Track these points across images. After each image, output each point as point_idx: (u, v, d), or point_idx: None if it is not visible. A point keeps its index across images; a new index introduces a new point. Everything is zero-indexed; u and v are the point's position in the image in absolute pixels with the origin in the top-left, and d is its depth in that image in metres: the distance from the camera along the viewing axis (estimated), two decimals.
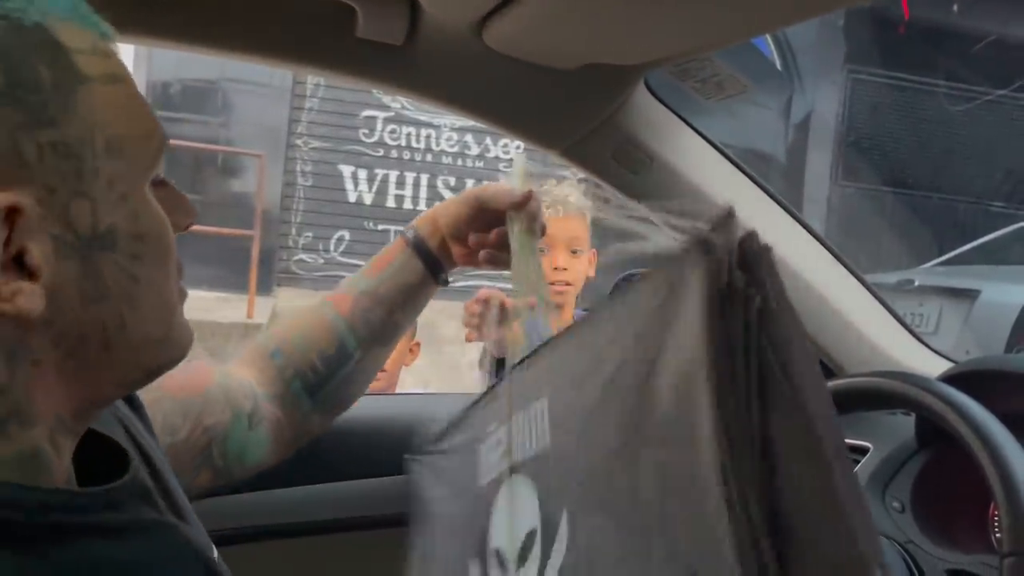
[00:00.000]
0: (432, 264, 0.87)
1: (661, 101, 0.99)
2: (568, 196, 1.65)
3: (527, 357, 0.67)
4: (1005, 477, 0.69)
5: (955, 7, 6.18)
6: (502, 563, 0.67)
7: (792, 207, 1.09)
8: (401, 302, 0.87)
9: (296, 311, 0.89)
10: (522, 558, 0.64)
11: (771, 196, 1.07)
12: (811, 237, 1.09)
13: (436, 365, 5.25)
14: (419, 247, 0.87)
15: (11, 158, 0.41)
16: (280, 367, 0.84)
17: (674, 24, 0.78)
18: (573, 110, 0.94)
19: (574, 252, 1.62)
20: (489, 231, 0.84)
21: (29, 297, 0.42)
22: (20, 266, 0.42)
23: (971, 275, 3.74)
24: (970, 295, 3.51)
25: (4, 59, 0.41)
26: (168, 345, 0.51)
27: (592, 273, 1.69)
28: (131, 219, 0.46)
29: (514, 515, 0.66)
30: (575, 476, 0.58)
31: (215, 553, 0.59)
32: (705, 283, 0.41)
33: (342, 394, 0.87)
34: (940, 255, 4.54)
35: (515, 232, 0.81)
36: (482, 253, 0.85)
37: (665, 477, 0.46)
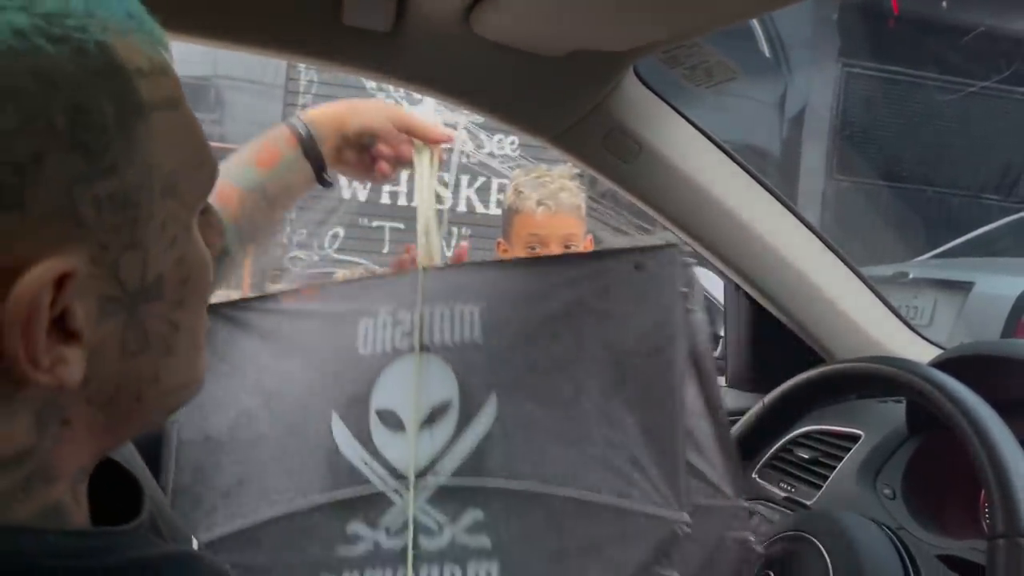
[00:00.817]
0: (320, 166, 0.84)
1: (651, 89, 0.99)
2: (560, 192, 1.64)
3: (442, 268, 0.84)
4: (993, 459, 0.69)
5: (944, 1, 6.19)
6: (393, 422, 0.82)
7: (782, 195, 1.09)
8: (284, 202, 0.84)
9: None
10: (430, 420, 0.81)
11: (761, 184, 1.07)
12: (801, 225, 1.09)
13: None
14: (311, 149, 0.83)
15: (66, 216, 0.36)
16: None
17: (661, 8, 0.78)
18: (562, 97, 0.93)
19: (568, 248, 1.62)
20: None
21: (70, 366, 0.38)
22: (59, 326, 0.37)
23: (965, 267, 3.75)
24: (964, 287, 3.51)
25: (68, 95, 0.35)
26: (193, 386, 0.47)
27: None
28: (178, 264, 0.42)
29: (421, 386, 0.82)
30: (508, 370, 0.80)
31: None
32: (679, 282, 0.77)
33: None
34: (934, 248, 4.55)
35: (423, 162, 0.87)
36: (385, 166, 0.85)
37: (620, 393, 0.76)
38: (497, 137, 6.67)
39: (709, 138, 1.04)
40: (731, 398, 1.26)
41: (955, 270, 3.72)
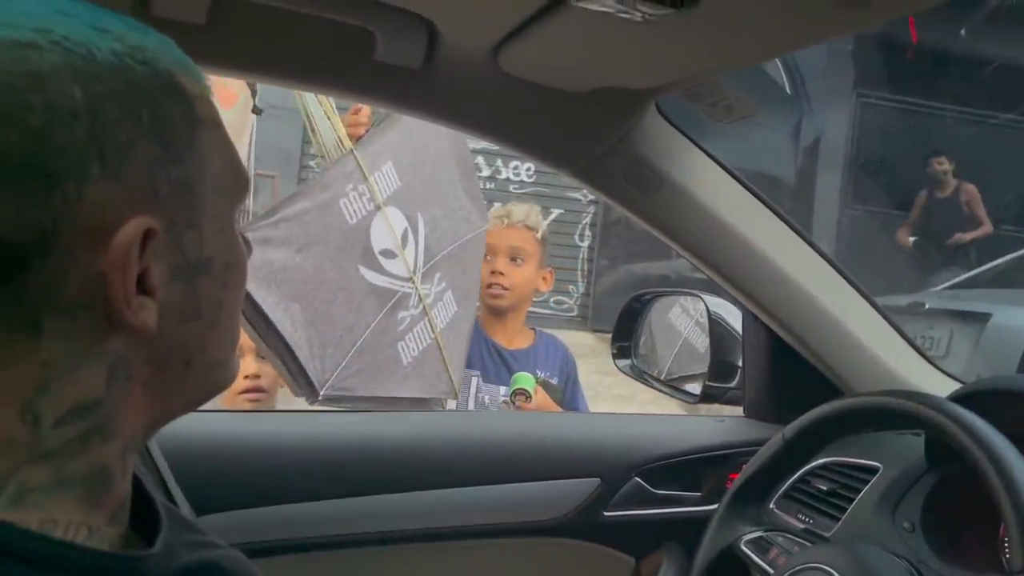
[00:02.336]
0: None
1: (672, 124, 1.01)
2: (512, 211, 1.89)
3: (363, 141, 1.52)
4: (1014, 495, 0.69)
5: (963, 32, 6.20)
6: (391, 253, 1.51)
7: (801, 228, 1.10)
8: (239, 135, 1.14)
9: None
10: (404, 243, 1.52)
11: (780, 217, 1.08)
12: (819, 258, 1.10)
13: None
14: (254, 87, 1.20)
15: (147, 188, 0.46)
16: None
17: (682, 50, 0.80)
18: (585, 132, 0.95)
19: (514, 260, 1.86)
20: None
21: (149, 312, 0.47)
22: (140, 283, 0.46)
23: (982, 298, 3.73)
24: (981, 318, 3.49)
25: (150, 100, 0.46)
26: (229, 369, 0.55)
27: (546, 288, 1.98)
28: (225, 249, 0.52)
29: (391, 226, 1.49)
30: (420, 196, 1.57)
31: None
32: None
33: None
34: (951, 279, 4.53)
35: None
36: None
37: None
38: (513, 164, 6.71)
39: (729, 172, 1.05)
40: (749, 428, 1.27)
41: (972, 301, 3.70)
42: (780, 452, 0.96)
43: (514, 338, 1.92)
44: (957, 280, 4.37)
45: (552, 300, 6.85)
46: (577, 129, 0.95)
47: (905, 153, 6.74)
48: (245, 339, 1.60)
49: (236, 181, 0.53)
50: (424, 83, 0.87)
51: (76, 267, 0.44)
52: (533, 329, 2.00)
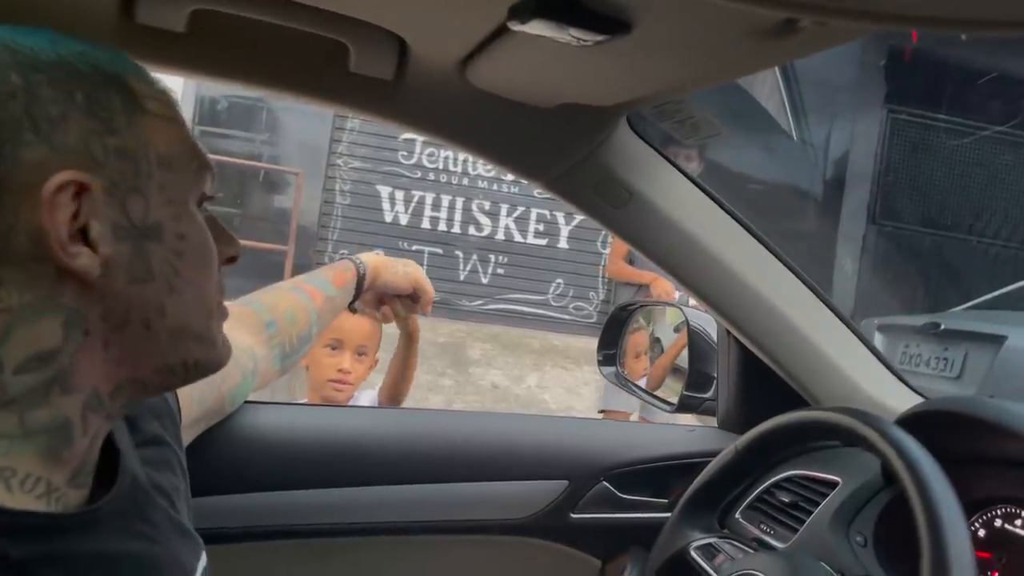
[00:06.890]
0: (356, 297, 1.17)
1: (643, 139, 1.04)
2: None
3: None
4: (932, 525, 0.71)
5: (997, 50, 6.12)
6: None
7: (772, 244, 1.12)
8: (338, 311, 1.16)
9: (280, 289, 1.12)
10: None
11: (750, 231, 1.10)
12: (789, 272, 1.12)
13: (460, 385, 5.30)
14: (360, 284, 1.16)
15: (84, 154, 0.54)
16: (271, 336, 1.05)
17: (645, 70, 0.83)
18: (554, 146, 0.98)
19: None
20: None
21: (88, 261, 0.53)
22: (84, 239, 0.53)
23: (999, 320, 3.69)
24: (996, 340, 3.46)
25: (87, 87, 0.55)
26: (206, 345, 0.60)
27: None
28: (175, 220, 0.57)
29: None
30: None
31: (201, 560, 0.66)
32: None
33: (293, 365, 1.13)
34: (974, 298, 4.47)
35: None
36: (389, 313, 1.25)
37: None
38: None
39: (701, 187, 1.08)
40: (719, 438, 1.29)
41: (988, 323, 3.66)
42: (732, 462, 0.98)
43: None
44: (976, 301, 4.32)
45: (572, 306, 6.87)
46: (546, 143, 0.98)
47: (935, 169, 6.66)
48: (347, 335, 1.79)
49: (189, 162, 0.59)
50: (397, 94, 0.91)
51: (19, 221, 0.51)
52: None
